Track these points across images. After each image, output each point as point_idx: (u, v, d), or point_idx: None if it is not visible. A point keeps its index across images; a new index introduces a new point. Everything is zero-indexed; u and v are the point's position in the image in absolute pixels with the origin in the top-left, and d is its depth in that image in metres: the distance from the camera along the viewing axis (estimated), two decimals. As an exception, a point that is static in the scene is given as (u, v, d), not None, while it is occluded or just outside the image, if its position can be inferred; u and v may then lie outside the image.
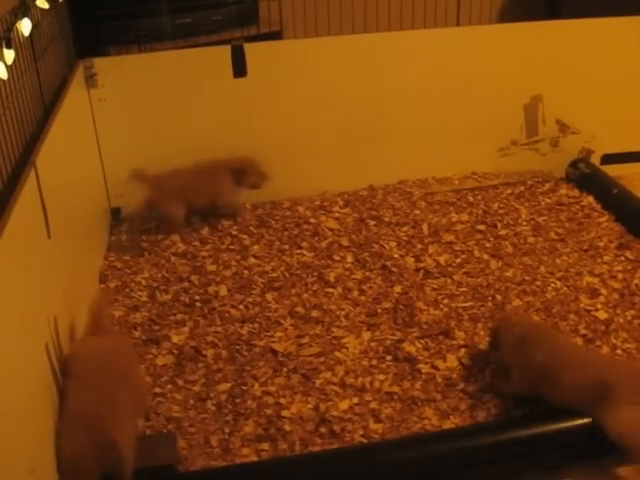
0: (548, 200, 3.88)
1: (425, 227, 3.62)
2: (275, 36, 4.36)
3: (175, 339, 2.92)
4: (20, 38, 2.71)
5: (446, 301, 3.09)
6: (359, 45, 3.82)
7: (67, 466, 2.07)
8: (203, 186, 3.70)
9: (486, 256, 3.38)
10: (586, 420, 2.33)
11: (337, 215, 3.78)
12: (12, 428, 1.83)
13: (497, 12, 5.24)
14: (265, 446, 2.44)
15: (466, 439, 2.37)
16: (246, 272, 3.32)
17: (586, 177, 4.02)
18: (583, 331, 2.89)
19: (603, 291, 3.13)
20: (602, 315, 2.98)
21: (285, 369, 2.76)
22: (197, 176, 3.69)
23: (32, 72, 2.96)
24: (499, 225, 3.63)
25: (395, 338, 2.89)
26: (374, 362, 2.78)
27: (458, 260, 3.36)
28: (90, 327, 2.54)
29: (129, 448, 2.15)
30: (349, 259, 3.40)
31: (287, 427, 2.49)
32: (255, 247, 3.53)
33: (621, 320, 2.95)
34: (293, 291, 3.20)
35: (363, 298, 3.13)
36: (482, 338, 2.87)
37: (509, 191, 3.97)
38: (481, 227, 3.63)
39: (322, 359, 2.80)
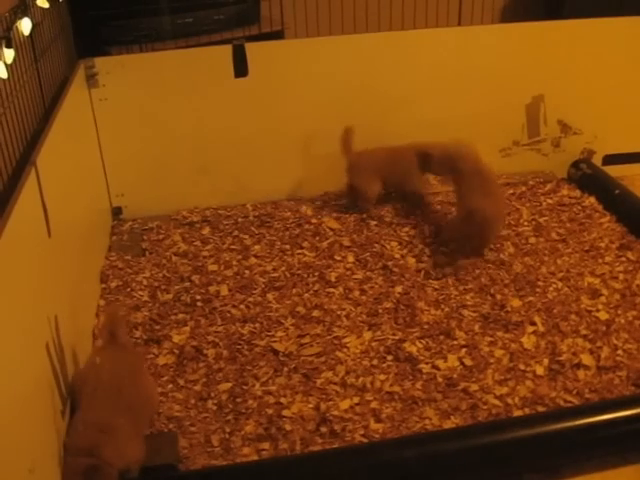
0: (549, 200, 3.88)
1: (426, 227, 3.61)
2: (276, 36, 4.36)
3: (176, 339, 2.92)
4: (20, 37, 2.71)
5: (447, 301, 3.09)
6: (360, 45, 3.81)
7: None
8: (395, 167, 3.79)
9: (487, 256, 3.38)
10: (586, 421, 2.33)
11: (338, 215, 3.78)
12: (12, 427, 1.83)
13: (499, 12, 5.23)
14: (266, 445, 2.44)
15: (467, 439, 2.37)
16: (247, 272, 3.32)
17: (588, 178, 4.02)
18: (584, 332, 2.89)
19: (604, 292, 3.13)
20: (603, 316, 2.97)
21: (286, 369, 2.76)
22: (391, 156, 3.78)
23: (33, 72, 2.96)
24: (500, 225, 3.63)
25: (396, 338, 2.89)
26: (375, 362, 2.78)
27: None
28: (106, 338, 2.53)
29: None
30: (350, 259, 3.40)
31: (288, 427, 2.49)
32: (256, 247, 3.53)
33: (622, 321, 2.95)
34: (294, 291, 3.19)
35: (364, 298, 3.13)
36: (483, 338, 2.87)
37: (511, 191, 3.97)
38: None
39: (323, 359, 2.80)
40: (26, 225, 2.22)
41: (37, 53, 3.03)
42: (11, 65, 2.41)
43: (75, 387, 2.41)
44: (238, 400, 2.62)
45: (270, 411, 2.56)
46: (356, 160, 3.77)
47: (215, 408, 2.59)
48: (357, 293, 3.16)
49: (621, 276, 3.23)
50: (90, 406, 2.28)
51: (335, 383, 2.68)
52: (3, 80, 2.40)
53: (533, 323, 2.95)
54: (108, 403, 2.27)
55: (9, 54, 2.37)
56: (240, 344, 2.88)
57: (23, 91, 2.76)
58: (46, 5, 2.93)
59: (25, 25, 2.66)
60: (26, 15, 2.67)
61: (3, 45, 2.35)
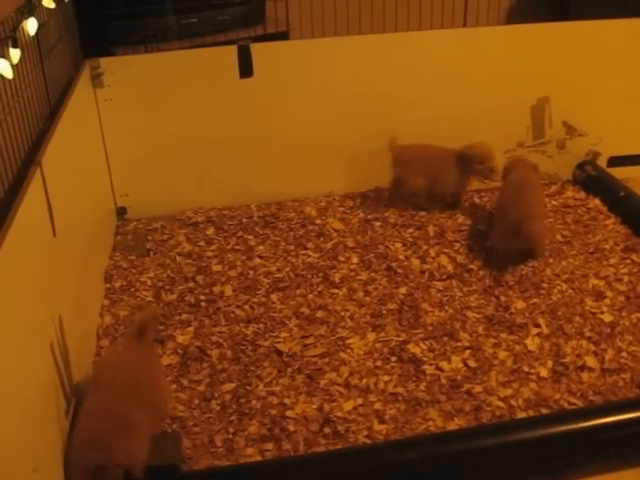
0: (554, 202, 3.87)
1: (431, 229, 3.61)
2: (282, 36, 4.36)
3: (180, 339, 2.92)
4: (26, 37, 2.72)
5: (451, 303, 3.09)
6: (365, 46, 3.81)
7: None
8: (435, 166, 3.78)
9: (491, 257, 3.37)
10: (590, 424, 2.33)
11: (342, 216, 3.78)
12: (17, 426, 1.83)
13: (504, 13, 5.23)
14: (269, 446, 2.44)
15: (470, 441, 2.36)
16: (251, 272, 3.33)
17: (593, 179, 4.01)
18: (588, 334, 2.88)
19: (609, 294, 3.12)
20: (607, 318, 2.97)
21: (290, 369, 2.76)
22: (435, 154, 3.79)
23: (38, 72, 2.96)
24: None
25: (400, 339, 2.88)
26: (379, 363, 2.78)
27: (464, 261, 3.35)
28: (134, 334, 2.49)
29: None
30: (354, 260, 3.40)
31: (291, 427, 2.49)
32: (260, 247, 3.53)
33: (626, 323, 2.94)
34: (298, 292, 3.20)
35: (368, 299, 3.13)
36: (487, 340, 2.87)
37: (515, 193, 3.95)
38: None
39: (327, 360, 2.80)
40: (31, 225, 2.22)
41: (43, 53, 3.03)
42: (17, 65, 2.41)
43: (94, 374, 2.41)
44: (242, 400, 2.62)
45: (274, 412, 2.56)
46: (401, 153, 3.77)
47: (219, 408, 2.60)
48: (361, 294, 3.16)
49: (626, 278, 3.22)
50: (106, 394, 2.25)
51: (339, 384, 2.68)
52: (9, 80, 2.40)
53: (537, 325, 2.95)
54: (127, 395, 2.26)
55: (15, 54, 2.37)
56: (244, 344, 2.88)
57: (29, 91, 2.76)
58: (52, 5, 2.93)
59: (31, 25, 2.66)
60: (32, 15, 2.67)
61: (9, 45, 2.35)
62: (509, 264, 3.30)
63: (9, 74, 2.28)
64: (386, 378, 2.70)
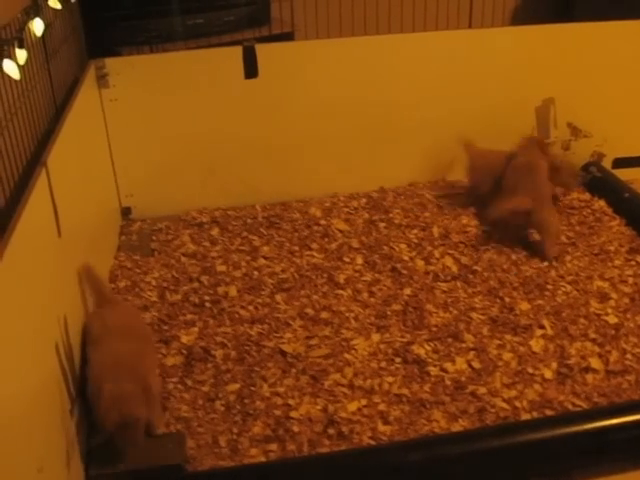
0: (559, 203, 3.87)
1: (435, 230, 3.61)
2: (287, 37, 4.36)
3: (184, 339, 2.92)
4: (32, 38, 2.72)
5: (456, 304, 3.09)
6: (371, 47, 3.81)
7: (112, 407, 2.18)
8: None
9: (496, 258, 3.37)
10: (595, 425, 2.33)
11: (347, 217, 3.78)
12: (21, 426, 1.84)
13: (509, 14, 5.22)
14: (273, 447, 2.44)
15: (474, 442, 2.36)
16: (256, 273, 3.33)
17: (597, 181, 4.01)
18: (593, 335, 2.88)
19: (613, 295, 3.11)
20: (612, 319, 2.96)
21: (294, 370, 2.76)
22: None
23: (44, 72, 2.97)
24: (510, 228, 3.63)
25: (404, 340, 2.88)
26: (383, 364, 2.78)
27: (468, 263, 3.35)
28: (97, 298, 2.68)
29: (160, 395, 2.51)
30: (359, 261, 3.40)
31: (295, 428, 2.49)
32: (265, 248, 3.53)
33: (631, 325, 2.94)
34: (303, 292, 3.20)
35: (373, 300, 3.13)
36: (491, 341, 2.87)
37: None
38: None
39: (331, 360, 2.80)
40: (36, 225, 2.23)
41: (48, 54, 3.04)
42: (23, 66, 2.42)
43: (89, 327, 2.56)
44: (246, 401, 2.62)
45: (278, 412, 2.56)
46: (474, 156, 3.79)
47: (223, 409, 2.60)
48: (366, 295, 3.16)
49: (630, 280, 3.22)
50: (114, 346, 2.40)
51: (343, 385, 2.68)
52: (15, 81, 2.40)
53: (542, 326, 2.94)
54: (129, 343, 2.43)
55: (21, 55, 2.38)
56: (248, 345, 2.89)
57: (34, 91, 2.77)
58: (58, 6, 2.94)
59: (37, 26, 2.66)
60: (38, 16, 2.68)
61: (15, 45, 2.36)
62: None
63: (16, 75, 2.28)
64: (390, 379, 2.70)
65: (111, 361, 2.31)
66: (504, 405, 2.57)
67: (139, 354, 2.41)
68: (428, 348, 2.84)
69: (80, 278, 2.67)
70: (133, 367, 2.30)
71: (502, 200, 3.46)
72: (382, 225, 3.69)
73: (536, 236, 3.45)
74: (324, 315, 3.04)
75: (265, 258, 3.45)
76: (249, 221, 3.77)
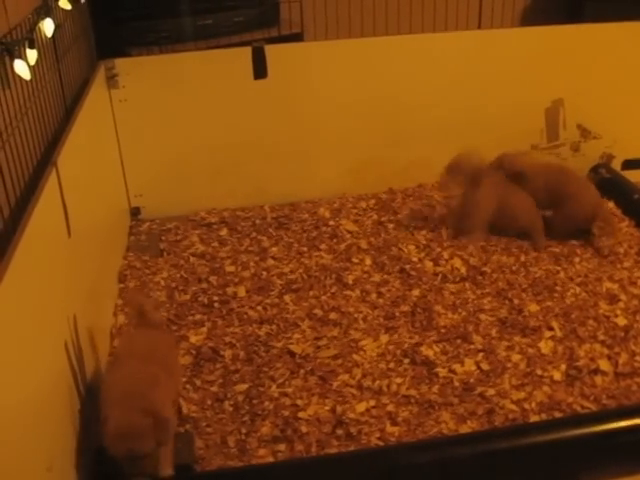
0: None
1: (444, 231, 3.61)
2: (296, 38, 4.37)
3: (193, 339, 2.92)
4: (43, 38, 2.73)
5: (464, 305, 3.08)
6: (380, 47, 3.82)
7: (118, 439, 2.04)
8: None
9: (505, 260, 3.37)
10: (603, 427, 2.32)
11: (356, 218, 3.78)
12: (31, 425, 1.84)
13: (519, 15, 5.22)
14: (281, 447, 2.44)
15: (483, 444, 2.36)
16: (264, 273, 3.33)
17: (607, 182, 4.00)
18: (602, 337, 2.87)
19: (622, 297, 3.11)
20: (621, 321, 2.96)
21: (302, 371, 2.76)
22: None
23: (54, 72, 2.98)
24: (518, 229, 3.62)
25: (413, 341, 2.88)
26: (391, 365, 2.78)
27: (477, 264, 3.34)
28: (137, 320, 2.55)
29: (174, 427, 2.24)
30: (368, 262, 3.40)
31: (304, 429, 2.49)
32: (274, 249, 3.53)
33: (640, 326, 2.94)
34: (311, 293, 3.20)
35: (381, 301, 3.13)
36: (500, 343, 2.86)
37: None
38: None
39: (339, 361, 2.80)
40: (46, 225, 2.24)
41: (59, 54, 3.05)
42: (33, 66, 2.42)
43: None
44: (254, 401, 2.62)
45: (286, 413, 2.56)
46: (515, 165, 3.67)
47: (231, 409, 2.60)
48: (374, 296, 3.16)
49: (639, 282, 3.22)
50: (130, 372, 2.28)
51: (351, 386, 2.68)
52: (25, 81, 2.41)
53: (551, 328, 2.94)
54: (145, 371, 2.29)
55: (32, 55, 2.39)
56: (257, 345, 2.89)
57: (45, 92, 2.78)
58: (68, 7, 2.95)
59: (47, 26, 2.67)
60: (48, 16, 2.68)
61: (26, 46, 2.36)
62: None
63: (27, 75, 2.29)
64: (399, 380, 2.70)
65: (123, 385, 2.18)
66: (513, 407, 2.57)
67: (155, 382, 2.22)
68: (437, 349, 2.84)
69: (92, 280, 2.65)
70: (145, 395, 2.12)
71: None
72: (391, 226, 3.69)
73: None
74: (333, 316, 3.04)
75: (274, 259, 3.45)
76: (258, 222, 3.78)
